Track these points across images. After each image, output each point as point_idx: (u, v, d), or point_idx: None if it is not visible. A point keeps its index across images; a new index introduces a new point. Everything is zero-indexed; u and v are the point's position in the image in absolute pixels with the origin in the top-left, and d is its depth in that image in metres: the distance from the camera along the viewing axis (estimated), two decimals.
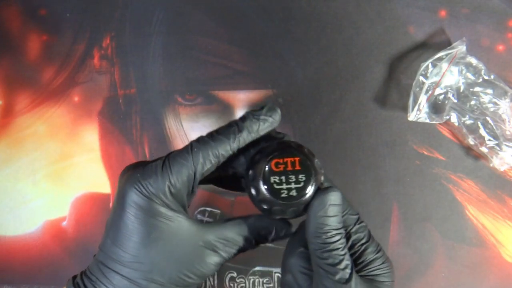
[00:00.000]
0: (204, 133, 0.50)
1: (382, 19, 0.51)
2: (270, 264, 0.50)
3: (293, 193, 0.32)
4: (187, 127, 0.51)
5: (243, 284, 0.50)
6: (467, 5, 0.50)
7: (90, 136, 0.51)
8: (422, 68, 0.47)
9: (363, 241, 0.34)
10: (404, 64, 0.50)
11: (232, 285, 0.50)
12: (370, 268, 0.33)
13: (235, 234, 0.34)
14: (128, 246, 0.32)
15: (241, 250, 0.35)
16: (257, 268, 0.50)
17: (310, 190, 0.33)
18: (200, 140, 0.34)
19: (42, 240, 0.51)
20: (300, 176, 0.33)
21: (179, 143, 0.51)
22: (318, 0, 0.51)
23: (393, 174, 0.50)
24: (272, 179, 0.32)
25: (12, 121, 0.51)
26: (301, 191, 0.32)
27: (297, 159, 0.33)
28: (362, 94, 0.50)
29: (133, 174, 0.33)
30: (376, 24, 0.51)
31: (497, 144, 0.47)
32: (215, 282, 0.50)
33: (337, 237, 0.32)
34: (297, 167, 0.33)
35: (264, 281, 0.50)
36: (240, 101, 0.50)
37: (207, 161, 0.33)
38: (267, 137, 0.35)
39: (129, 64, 0.51)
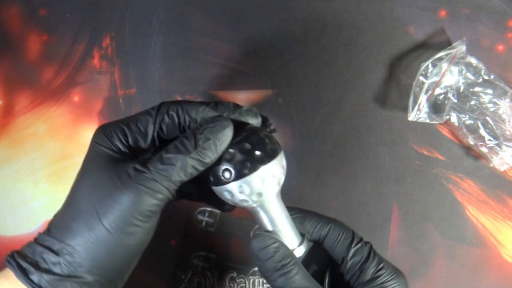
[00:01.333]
0: None
1: (382, 19, 0.51)
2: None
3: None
4: None
5: (243, 284, 0.50)
6: (467, 5, 0.50)
7: (90, 136, 0.51)
8: (422, 68, 0.47)
9: (361, 263, 0.33)
10: (404, 64, 0.50)
11: (232, 285, 0.50)
12: (375, 285, 0.33)
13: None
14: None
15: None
16: (257, 268, 0.50)
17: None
18: (169, 101, 0.34)
19: None
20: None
21: None
22: (318, 0, 0.51)
23: (393, 174, 0.50)
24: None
25: (12, 121, 0.51)
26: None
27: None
28: (362, 94, 0.50)
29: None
30: (376, 24, 0.51)
31: (497, 144, 0.47)
32: (215, 282, 0.50)
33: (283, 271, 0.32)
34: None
35: (264, 281, 0.50)
36: (240, 101, 0.50)
37: (168, 119, 0.33)
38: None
39: (129, 64, 0.51)
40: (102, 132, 0.33)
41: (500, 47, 0.50)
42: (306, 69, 0.51)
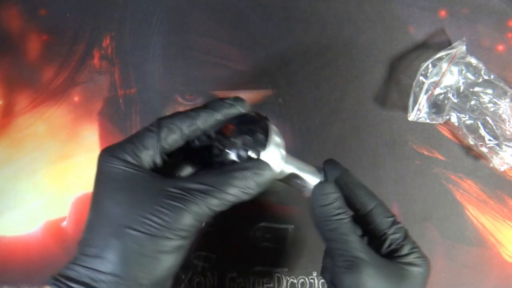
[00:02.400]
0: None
1: (382, 19, 0.51)
2: (270, 264, 0.50)
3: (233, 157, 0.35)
4: None
5: (243, 284, 0.50)
6: (467, 5, 0.50)
7: (90, 136, 0.51)
8: (422, 68, 0.47)
9: (399, 240, 0.36)
10: (404, 64, 0.50)
11: (232, 285, 0.50)
12: (404, 259, 0.36)
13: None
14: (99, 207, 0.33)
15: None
16: (257, 268, 0.50)
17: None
18: (166, 116, 0.35)
19: (42, 240, 0.51)
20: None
21: None
22: (318, 0, 0.51)
23: (393, 174, 0.50)
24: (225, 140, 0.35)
25: (12, 121, 0.51)
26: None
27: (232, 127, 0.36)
28: (362, 94, 0.50)
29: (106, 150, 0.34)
30: (376, 24, 0.51)
31: (497, 144, 0.47)
32: (215, 282, 0.50)
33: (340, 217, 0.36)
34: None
35: (264, 281, 0.50)
36: None
37: (171, 133, 0.34)
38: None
39: (129, 64, 0.51)
40: (111, 154, 0.34)
41: (500, 47, 0.50)
42: (306, 69, 0.51)
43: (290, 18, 0.51)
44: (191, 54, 0.51)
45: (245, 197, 0.34)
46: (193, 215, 0.32)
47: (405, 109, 0.49)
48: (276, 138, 0.36)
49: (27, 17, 0.52)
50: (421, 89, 0.47)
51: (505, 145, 0.47)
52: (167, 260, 0.32)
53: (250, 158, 0.35)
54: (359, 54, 0.51)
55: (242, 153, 0.35)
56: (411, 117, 0.47)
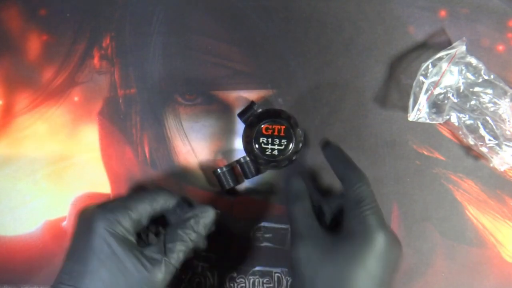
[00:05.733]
0: (204, 133, 0.50)
1: (382, 19, 0.51)
2: (270, 264, 0.50)
3: (275, 152, 0.44)
4: (187, 127, 0.51)
5: (243, 284, 0.50)
6: (467, 5, 0.50)
7: (90, 136, 0.51)
8: (422, 68, 0.47)
9: (352, 209, 0.41)
10: (404, 64, 0.50)
11: (232, 285, 0.50)
12: (345, 229, 0.40)
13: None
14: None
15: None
16: (257, 268, 0.50)
17: (288, 152, 0.44)
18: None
19: (42, 240, 0.51)
20: (282, 141, 0.44)
21: (179, 143, 0.51)
22: (318, 0, 0.51)
23: (393, 174, 0.50)
24: (261, 139, 0.44)
25: (12, 121, 0.52)
26: (282, 152, 0.44)
27: (283, 127, 0.44)
28: (362, 94, 0.50)
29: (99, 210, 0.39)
30: (376, 24, 0.51)
31: (497, 144, 0.47)
32: (215, 282, 0.50)
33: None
34: (282, 134, 0.44)
35: (264, 281, 0.50)
36: (240, 101, 0.50)
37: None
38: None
39: (129, 64, 0.51)
40: (108, 219, 0.39)
41: (500, 47, 0.50)
42: (306, 69, 0.51)
43: (290, 18, 0.51)
44: (191, 54, 0.51)
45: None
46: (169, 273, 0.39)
47: (405, 109, 0.49)
48: None
49: (27, 17, 0.52)
50: (421, 89, 0.47)
51: (505, 145, 0.47)
52: None
53: None
54: (359, 54, 0.51)
55: None
56: (411, 117, 0.47)
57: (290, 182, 0.44)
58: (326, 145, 0.46)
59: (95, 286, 0.36)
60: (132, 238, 0.39)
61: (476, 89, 0.48)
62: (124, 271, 0.37)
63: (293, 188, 0.43)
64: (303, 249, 0.39)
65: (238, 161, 0.49)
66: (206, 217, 0.42)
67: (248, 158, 0.48)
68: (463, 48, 0.47)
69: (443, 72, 0.47)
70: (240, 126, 0.50)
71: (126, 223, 0.39)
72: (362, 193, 0.39)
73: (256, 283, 0.50)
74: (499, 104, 0.47)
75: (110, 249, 0.37)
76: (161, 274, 0.38)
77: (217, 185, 0.49)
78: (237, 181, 0.49)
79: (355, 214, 0.38)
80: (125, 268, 0.37)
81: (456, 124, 0.48)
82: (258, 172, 0.49)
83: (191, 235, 0.41)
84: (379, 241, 0.37)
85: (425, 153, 0.50)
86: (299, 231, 0.40)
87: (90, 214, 0.39)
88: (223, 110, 0.51)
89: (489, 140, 0.47)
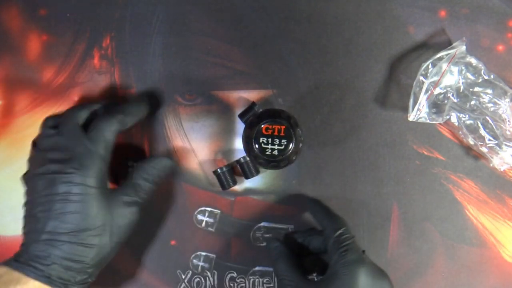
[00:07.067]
0: (204, 133, 0.50)
1: (382, 19, 0.51)
2: (270, 264, 0.50)
3: (275, 152, 0.44)
4: (187, 127, 0.51)
5: (243, 284, 0.50)
6: (467, 5, 0.50)
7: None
8: (422, 68, 0.47)
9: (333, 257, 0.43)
10: (404, 64, 0.50)
11: (232, 285, 0.50)
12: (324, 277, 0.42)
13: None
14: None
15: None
16: (257, 268, 0.50)
17: (288, 152, 0.44)
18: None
19: None
20: (282, 141, 0.44)
21: (179, 143, 0.51)
22: (318, 0, 0.51)
23: (393, 174, 0.50)
24: (261, 139, 0.44)
25: (12, 121, 0.51)
26: (282, 152, 0.44)
27: (283, 127, 0.44)
28: (362, 94, 0.50)
29: None
30: (376, 24, 0.51)
31: (497, 144, 0.47)
32: (215, 282, 0.50)
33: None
34: (282, 134, 0.44)
35: (264, 281, 0.50)
36: (240, 101, 0.50)
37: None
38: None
39: (129, 64, 0.51)
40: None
41: (500, 47, 0.50)
42: (306, 69, 0.51)
43: (290, 18, 0.51)
44: (191, 54, 0.51)
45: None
46: None
47: (405, 109, 0.49)
48: None
49: (27, 17, 0.52)
50: (421, 89, 0.47)
51: (505, 145, 0.47)
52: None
53: None
54: (359, 54, 0.51)
55: None
56: (411, 117, 0.47)
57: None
58: (309, 201, 0.49)
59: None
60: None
61: (476, 89, 0.48)
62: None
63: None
64: None
65: (238, 161, 0.48)
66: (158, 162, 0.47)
67: (248, 158, 0.48)
68: (463, 48, 0.47)
69: (443, 72, 0.47)
70: (240, 126, 0.50)
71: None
72: (342, 238, 0.42)
73: (256, 283, 0.50)
74: (499, 104, 0.47)
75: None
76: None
77: (217, 185, 0.49)
78: (237, 181, 0.49)
79: (337, 259, 0.41)
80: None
81: (456, 124, 0.48)
82: (258, 172, 0.49)
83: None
84: (362, 277, 0.39)
85: (425, 153, 0.50)
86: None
87: None
88: (223, 110, 0.51)
89: (489, 140, 0.47)
